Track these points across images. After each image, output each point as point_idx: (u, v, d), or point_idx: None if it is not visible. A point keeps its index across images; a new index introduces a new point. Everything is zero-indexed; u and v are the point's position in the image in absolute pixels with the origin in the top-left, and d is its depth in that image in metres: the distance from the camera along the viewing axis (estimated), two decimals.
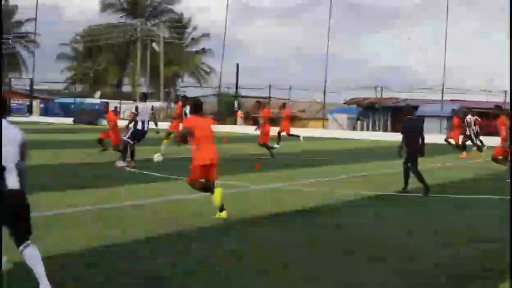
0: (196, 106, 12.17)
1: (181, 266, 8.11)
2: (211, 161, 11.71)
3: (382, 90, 66.46)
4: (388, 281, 7.81)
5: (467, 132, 29.89)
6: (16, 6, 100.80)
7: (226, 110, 66.18)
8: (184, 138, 12.00)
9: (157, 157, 20.68)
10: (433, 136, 44.97)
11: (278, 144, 30.24)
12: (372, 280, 7.83)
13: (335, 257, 8.96)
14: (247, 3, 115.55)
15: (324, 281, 7.71)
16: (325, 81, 62.23)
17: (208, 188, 11.76)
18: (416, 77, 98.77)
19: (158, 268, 7.97)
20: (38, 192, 13.64)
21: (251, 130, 38.07)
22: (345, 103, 68.59)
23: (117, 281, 7.32)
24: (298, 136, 33.33)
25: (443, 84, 57.94)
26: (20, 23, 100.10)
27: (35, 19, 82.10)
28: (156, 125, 22.12)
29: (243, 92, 68.48)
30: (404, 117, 16.81)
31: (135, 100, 78.39)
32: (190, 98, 23.05)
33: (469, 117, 30.13)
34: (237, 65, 66.03)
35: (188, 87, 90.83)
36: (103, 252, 8.66)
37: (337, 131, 55.93)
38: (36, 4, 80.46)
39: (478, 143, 29.85)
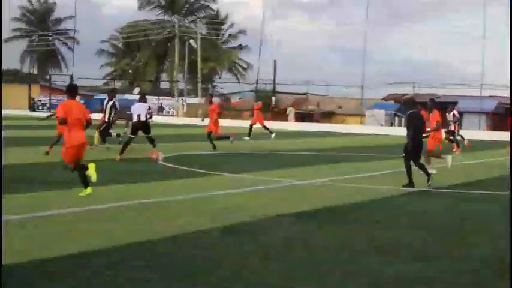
0: (70, 90, 13.29)
1: (225, 260, 8.19)
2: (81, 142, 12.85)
3: (419, 85, 66.00)
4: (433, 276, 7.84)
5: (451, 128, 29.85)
6: (55, 3, 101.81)
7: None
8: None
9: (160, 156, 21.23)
10: (473, 132, 44.94)
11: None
12: (417, 278, 7.87)
13: (375, 253, 8.99)
14: None
15: (366, 278, 7.77)
16: (363, 77, 62.02)
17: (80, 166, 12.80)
18: (455, 72, 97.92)
19: (184, 262, 8.04)
20: (72, 188, 13.84)
21: (281, 125, 38.28)
22: (382, 99, 68.31)
23: (143, 277, 7.32)
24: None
25: (481, 80, 57.44)
26: (59, 20, 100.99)
27: (74, 16, 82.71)
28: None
29: (280, 88, 68.45)
30: (411, 110, 16.56)
31: (173, 96, 79.19)
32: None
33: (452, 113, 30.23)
34: (274, 61, 66.15)
35: (225, 83, 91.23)
36: (147, 246, 8.75)
37: (375, 127, 55.74)
38: (75, 1, 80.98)
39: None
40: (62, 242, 8.74)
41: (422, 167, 16.43)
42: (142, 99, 23.26)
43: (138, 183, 15.22)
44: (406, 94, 64.61)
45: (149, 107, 23.16)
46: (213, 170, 18.31)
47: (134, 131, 22.17)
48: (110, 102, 23.47)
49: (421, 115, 16.90)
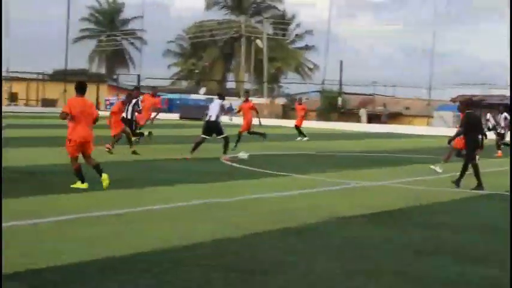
0: (77, 87, 13.51)
1: (290, 261, 8.12)
2: (85, 138, 13.33)
3: (490, 87, 64.97)
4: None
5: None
6: (123, 3, 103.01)
7: (329, 107, 65.94)
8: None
9: (242, 154, 21.67)
10: None
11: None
12: (482, 281, 7.70)
13: (440, 254, 8.83)
14: None
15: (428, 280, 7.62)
16: (431, 78, 61.24)
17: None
18: None
19: (251, 263, 8.01)
20: (147, 187, 13.96)
21: (347, 126, 38.02)
22: (450, 100, 67.34)
23: (209, 276, 7.34)
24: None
25: None
26: (127, 21, 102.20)
27: (142, 17, 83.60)
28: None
29: (346, 89, 68.10)
30: (468, 110, 16.55)
31: (239, 96, 79.42)
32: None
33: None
34: (341, 62, 65.77)
35: (291, 83, 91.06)
36: (209, 246, 8.72)
37: (443, 128, 54.99)
38: (143, 2, 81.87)
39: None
40: (127, 240, 8.79)
41: (465, 169, 16.22)
42: (221, 97, 22.96)
43: (201, 183, 15.22)
44: (476, 95, 63.70)
45: (223, 106, 22.55)
46: (276, 170, 18.25)
47: (205, 132, 21.78)
48: (133, 101, 23.30)
49: (478, 116, 16.84)
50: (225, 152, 21.67)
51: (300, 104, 39.36)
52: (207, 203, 12.28)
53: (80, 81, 14.03)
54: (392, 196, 14.62)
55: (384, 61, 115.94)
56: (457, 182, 16.24)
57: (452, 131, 51.38)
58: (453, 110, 61.62)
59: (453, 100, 66.56)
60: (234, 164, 19.67)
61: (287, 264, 8.01)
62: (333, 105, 64.72)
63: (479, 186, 15.87)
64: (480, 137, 16.39)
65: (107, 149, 21.34)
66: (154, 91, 29.90)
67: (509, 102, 43.10)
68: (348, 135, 39.47)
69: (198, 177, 16.18)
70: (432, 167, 20.08)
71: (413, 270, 8.02)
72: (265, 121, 50.04)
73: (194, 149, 21.39)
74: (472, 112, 16.50)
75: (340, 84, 65.20)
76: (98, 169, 13.47)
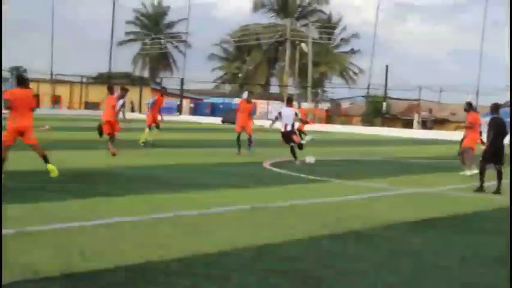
0: (18, 80, 14.71)
1: (334, 267, 7.99)
2: (24, 127, 14.27)
3: None
4: None
5: None
6: (169, 7, 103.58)
7: (374, 112, 65.53)
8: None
9: (309, 158, 21.76)
10: None
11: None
12: None
13: (487, 264, 8.62)
14: (399, 1, 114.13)
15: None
16: (479, 83, 60.48)
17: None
18: None
19: (310, 268, 7.89)
20: (192, 190, 13.91)
21: (392, 132, 37.61)
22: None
23: (268, 282, 7.28)
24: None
25: None
26: (172, 24, 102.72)
27: (187, 19, 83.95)
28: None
29: (392, 94, 67.58)
30: (494, 114, 16.92)
31: (283, 101, 79.34)
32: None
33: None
34: (386, 67, 65.21)
35: (336, 88, 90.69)
36: (255, 252, 8.62)
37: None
38: (189, 5, 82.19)
39: None
40: (184, 242, 8.72)
41: (500, 174, 16.49)
42: (289, 104, 23.12)
43: (245, 188, 15.16)
44: None
45: (296, 113, 22.63)
46: (322, 176, 18.10)
47: (287, 140, 22.11)
48: (121, 101, 22.61)
49: (503, 120, 16.85)
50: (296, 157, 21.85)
51: (299, 107, 39.48)
52: (255, 207, 12.16)
53: (20, 75, 16.03)
54: (444, 203, 14.45)
55: (432, 65, 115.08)
56: (496, 191, 16.25)
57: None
58: (503, 115, 60.99)
59: (503, 105, 65.79)
60: (276, 169, 19.53)
61: (348, 271, 7.91)
62: (377, 111, 64.28)
63: (481, 188, 16.39)
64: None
65: (112, 154, 21.09)
66: (162, 91, 29.48)
67: None
68: (393, 141, 39.13)
69: (242, 181, 16.14)
70: (462, 173, 20.41)
71: (472, 278, 7.85)
72: (309, 126, 49.81)
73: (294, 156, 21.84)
74: (494, 117, 16.74)
75: (386, 89, 64.70)
76: (45, 159, 14.71)
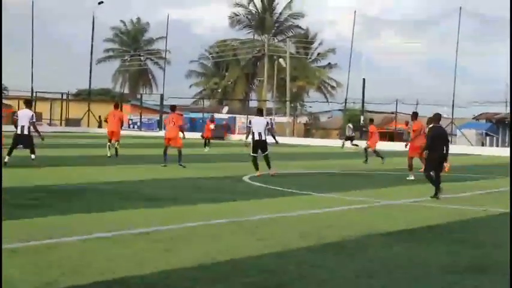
0: None
1: (313, 279, 8.11)
2: None
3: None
4: None
5: None
6: (148, 23, 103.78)
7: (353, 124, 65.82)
8: None
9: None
10: None
11: None
12: None
13: (478, 273, 8.82)
14: (374, 16, 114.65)
15: None
16: (453, 96, 60.97)
17: None
18: None
19: (289, 281, 7.99)
20: (171, 205, 14.05)
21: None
22: (473, 118, 67.12)
23: None
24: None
25: None
26: (151, 40, 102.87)
27: (166, 37, 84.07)
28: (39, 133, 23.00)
29: (369, 107, 67.98)
30: (433, 124, 18.00)
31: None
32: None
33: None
34: (363, 80, 65.69)
35: (314, 102, 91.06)
36: (233, 265, 8.73)
37: (466, 146, 54.80)
38: (167, 22, 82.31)
39: None
40: (161, 257, 8.86)
41: (438, 179, 17.64)
42: (259, 114, 24.00)
43: (223, 202, 15.25)
44: (499, 113, 63.43)
45: (267, 122, 23.46)
46: (300, 189, 18.29)
47: (255, 149, 22.76)
48: (30, 114, 22.39)
49: (442, 130, 18.17)
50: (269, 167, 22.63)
51: (212, 121, 46.69)
52: (234, 221, 12.31)
53: None
54: (419, 214, 14.60)
55: (408, 79, 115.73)
56: (434, 195, 17.38)
57: (475, 149, 51.35)
58: (476, 127, 61.53)
59: (476, 118, 66.39)
60: (255, 183, 19.71)
61: (327, 283, 8.01)
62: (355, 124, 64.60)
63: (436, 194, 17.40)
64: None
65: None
66: (116, 104, 32.93)
67: None
68: (371, 154, 39.34)
69: (221, 195, 16.24)
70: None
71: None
72: (287, 140, 50.03)
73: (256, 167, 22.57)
74: (436, 126, 17.90)
75: (363, 103, 65.11)
76: None
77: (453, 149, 51.10)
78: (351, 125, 40.89)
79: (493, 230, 12.94)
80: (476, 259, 9.74)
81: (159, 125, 75.48)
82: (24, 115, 22.40)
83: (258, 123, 22.80)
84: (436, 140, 17.49)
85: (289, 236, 11.02)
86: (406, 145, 25.05)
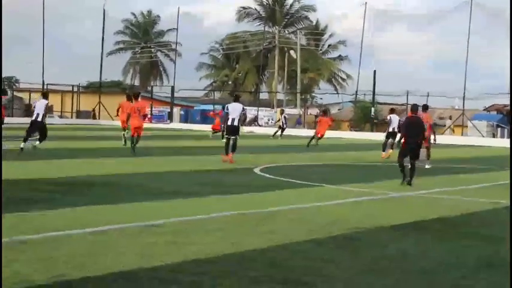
0: None
1: (319, 273, 8.10)
2: None
3: None
4: None
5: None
6: (158, 16, 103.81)
7: (362, 117, 65.84)
8: None
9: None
10: None
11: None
12: None
13: (485, 269, 8.81)
14: (385, 9, 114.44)
15: None
16: (464, 87, 60.74)
17: None
18: None
19: (295, 275, 7.98)
20: (180, 198, 14.05)
21: (381, 137, 37.90)
22: (484, 109, 66.88)
23: (252, 286, 7.39)
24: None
25: None
26: (162, 33, 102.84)
27: (176, 29, 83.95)
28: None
29: (379, 99, 67.79)
30: (414, 114, 18.95)
31: (272, 107, 79.57)
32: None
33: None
34: (374, 72, 65.46)
35: (325, 94, 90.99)
36: (240, 258, 8.73)
37: (477, 138, 54.62)
38: (178, 14, 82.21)
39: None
40: (170, 250, 8.87)
41: (413, 168, 18.47)
42: (236, 100, 24.75)
43: (232, 194, 15.24)
44: (508, 105, 63.12)
45: (243, 108, 24.35)
46: (310, 181, 18.27)
47: (228, 133, 23.86)
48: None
49: (417, 120, 18.82)
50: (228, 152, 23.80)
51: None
52: (241, 214, 12.32)
53: None
54: (428, 207, 14.58)
55: (419, 72, 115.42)
56: (408, 182, 18.14)
57: (486, 141, 51.18)
58: (487, 119, 61.29)
59: (487, 110, 66.15)
60: (265, 175, 19.70)
61: (333, 276, 8.01)
62: (366, 116, 64.56)
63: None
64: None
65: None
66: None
67: None
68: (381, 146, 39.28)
69: (230, 188, 16.23)
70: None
71: (460, 284, 7.98)
72: (298, 131, 50.02)
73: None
74: (411, 116, 18.99)
75: (373, 95, 64.92)
76: None
77: (464, 140, 51.49)
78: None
79: (501, 223, 12.89)
80: (484, 254, 9.73)
81: (170, 116, 75.55)
82: (41, 104, 25.32)
83: (235, 109, 23.86)
84: (410, 129, 18.43)
85: (297, 229, 11.00)
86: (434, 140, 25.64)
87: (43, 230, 9.83)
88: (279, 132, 46.70)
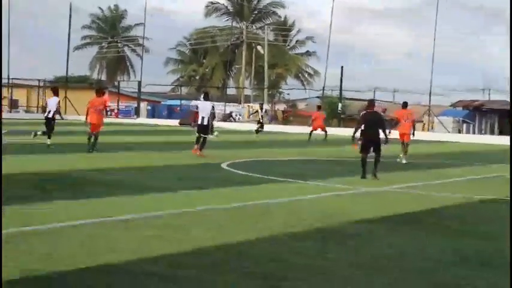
0: None
1: (298, 266, 8.18)
2: None
3: (490, 92, 65.33)
4: None
5: None
6: (125, 10, 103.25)
7: (329, 113, 66.03)
8: None
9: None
10: None
11: None
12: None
13: (460, 264, 8.93)
14: (352, 5, 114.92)
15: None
16: (431, 83, 61.23)
17: None
18: None
19: (274, 268, 8.05)
20: (147, 194, 14.03)
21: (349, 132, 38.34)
22: (451, 105, 67.46)
23: (234, 281, 7.42)
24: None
25: None
26: (129, 27, 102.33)
27: (143, 23, 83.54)
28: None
29: (347, 95, 68.08)
30: (369, 110, 19.34)
31: (240, 102, 79.56)
32: None
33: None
34: (341, 68, 65.77)
35: (292, 89, 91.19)
36: (217, 253, 8.76)
37: (443, 134, 55.06)
38: (145, 9, 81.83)
39: None
40: (149, 245, 8.89)
41: (376, 162, 18.92)
42: (206, 98, 25.30)
43: (204, 189, 15.23)
44: (476, 101, 63.82)
45: (213, 107, 25.12)
46: (279, 176, 18.34)
47: (199, 131, 24.36)
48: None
49: (376, 115, 19.32)
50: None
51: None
52: (217, 208, 12.37)
53: None
54: (399, 201, 14.77)
55: (386, 68, 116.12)
56: (373, 175, 18.48)
57: (452, 137, 51.60)
58: (454, 115, 61.85)
59: (453, 106, 66.75)
60: (237, 171, 19.72)
61: (314, 270, 8.05)
62: (333, 111, 64.78)
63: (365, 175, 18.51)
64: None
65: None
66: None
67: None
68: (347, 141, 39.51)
69: (201, 183, 16.22)
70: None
71: (434, 278, 8.05)
72: (266, 127, 50.02)
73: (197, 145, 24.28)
74: (370, 111, 19.29)
75: (341, 90, 65.19)
76: None
77: (431, 136, 51.76)
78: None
79: (474, 217, 13.07)
80: (451, 246, 9.89)
81: (137, 112, 75.21)
82: (53, 101, 26.45)
83: (205, 108, 24.54)
84: (367, 125, 18.87)
85: (273, 223, 11.06)
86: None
87: (29, 224, 9.83)
88: (259, 128, 45.14)
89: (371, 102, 20.10)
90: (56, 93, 27.28)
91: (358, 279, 7.77)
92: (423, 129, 58.34)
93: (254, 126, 45.12)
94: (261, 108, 46.36)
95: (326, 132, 40.21)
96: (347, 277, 7.82)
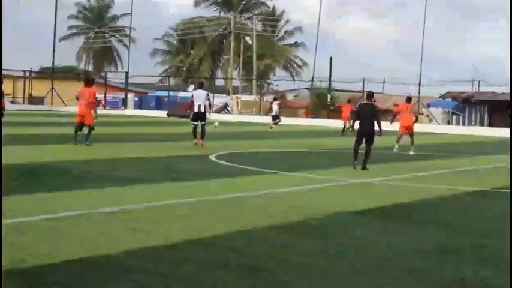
0: None
1: (281, 259, 7.96)
2: None
3: (479, 83, 65.29)
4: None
5: None
6: (112, 0, 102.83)
7: (318, 104, 65.86)
8: None
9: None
10: None
11: None
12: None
13: (441, 255, 8.72)
14: None
15: (427, 278, 7.50)
16: (420, 74, 61.16)
17: None
18: None
19: (257, 261, 7.88)
20: (133, 186, 13.79)
21: (338, 124, 38.53)
22: (440, 97, 67.42)
23: (217, 274, 7.24)
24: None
25: None
26: (116, 17, 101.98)
27: (130, 14, 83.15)
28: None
29: (336, 86, 67.95)
30: (368, 101, 19.63)
31: (228, 93, 79.38)
32: None
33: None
34: (330, 59, 65.63)
35: (281, 80, 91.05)
36: (202, 245, 8.58)
37: (432, 125, 55.02)
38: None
39: None
40: (131, 237, 8.68)
41: (367, 153, 19.07)
42: (200, 87, 25.95)
43: (190, 181, 15.03)
44: (464, 92, 63.81)
45: (207, 94, 25.74)
46: (267, 168, 18.13)
47: (195, 119, 24.91)
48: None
49: (371, 107, 19.32)
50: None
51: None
52: (201, 200, 12.15)
53: None
54: (386, 193, 14.60)
55: (375, 59, 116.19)
56: (363, 167, 18.70)
57: (441, 128, 51.60)
58: (442, 106, 61.77)
59: (442, 97, 66.72)
60: (223, 162, 19.52)
61: (296, 263, 7.90)
62: (322, 102, 64.64)
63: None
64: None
65: None
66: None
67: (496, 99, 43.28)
68: (338, 133, 39.41)
69: (187, 175, 16.01)
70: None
71: (415, 269, 7.90)
72: (254, 118, 49.91)
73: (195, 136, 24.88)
74: (364, 103, 19.90)
75: (330, 81, 65.06)
76: None
77: (420, 127, 51.64)
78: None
79: (458, 209, 12.93)
80: (441, 239, 9.71)
81: (124, 103, 74.96)
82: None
83: (199, 96, 25.05)
84: (363, 116, 19.05)
85: (257, 215, 10.90)
86: (391, 122, 28.08)
87: (10, 216, 9.54)
88: (274, 121, 43.59)
89: (369, 93, 20.28)
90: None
91: (323, 267, 7.61)
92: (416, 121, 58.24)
93: (248, 118, 44.55)
94: (274, 101, 45.46)
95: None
96: (326, 267, 7.61)
